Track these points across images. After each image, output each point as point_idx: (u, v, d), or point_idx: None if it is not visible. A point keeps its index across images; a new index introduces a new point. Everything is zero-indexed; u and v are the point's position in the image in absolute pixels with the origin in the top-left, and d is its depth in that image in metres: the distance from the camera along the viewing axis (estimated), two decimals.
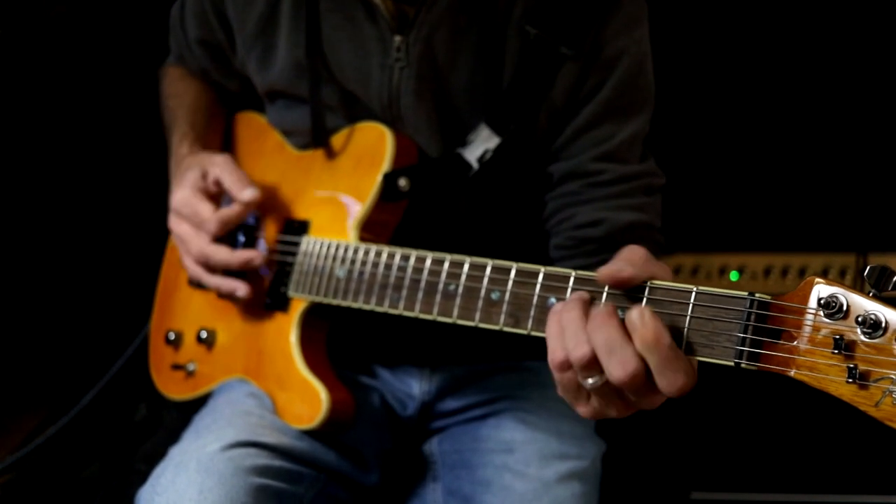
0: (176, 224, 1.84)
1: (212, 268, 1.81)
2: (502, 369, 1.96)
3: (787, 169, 2.50)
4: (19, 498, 2.31)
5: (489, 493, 1.80)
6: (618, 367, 1.20)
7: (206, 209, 1.79)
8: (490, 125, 1.74)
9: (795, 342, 1.11)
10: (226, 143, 2.08)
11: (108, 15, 2.66)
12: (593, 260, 1.72)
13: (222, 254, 1.78)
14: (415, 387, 1.94)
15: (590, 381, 1.24)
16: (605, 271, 1.28)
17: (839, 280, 2.37)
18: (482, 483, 1.82)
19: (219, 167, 1.82)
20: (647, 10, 1.78)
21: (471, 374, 1.95)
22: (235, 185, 1.79)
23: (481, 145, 1.75)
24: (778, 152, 2.51)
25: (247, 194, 1.77)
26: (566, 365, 1.25)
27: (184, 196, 1.81)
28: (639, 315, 1.19)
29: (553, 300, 1.35)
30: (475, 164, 1.75)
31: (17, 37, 2.50)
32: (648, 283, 1.26)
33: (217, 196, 1.84)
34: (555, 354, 1.26)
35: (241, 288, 1.79)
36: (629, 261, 1.29)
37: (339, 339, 1.83)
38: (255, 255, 1.78)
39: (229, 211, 1.78)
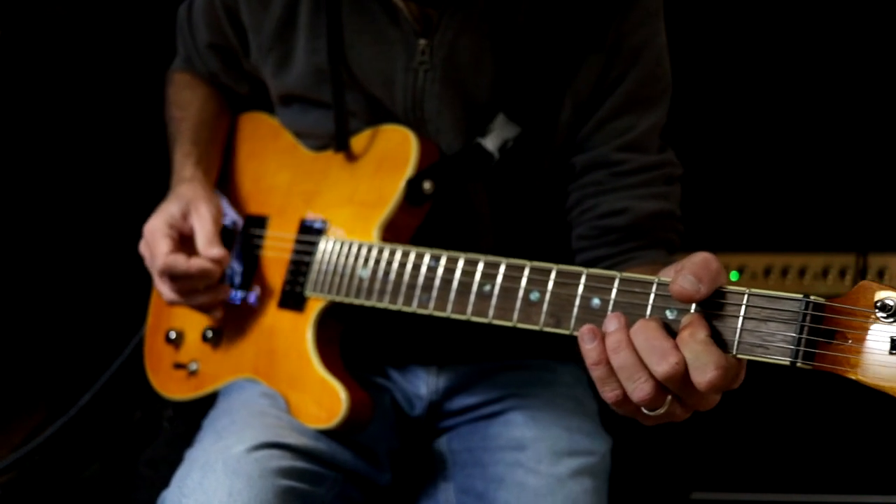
0: (142, 247, 1.85)
1: (177, 279, 1.80)
2: (509, 367, 1.96)
3: (787, 169, 2.51)
4: (19, 498, 2.29)
5: (503, 489, 1.80)
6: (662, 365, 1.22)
7: (162, 247, 1.79)
8: (508, 114, 1.75)
9: (850, 342, 1.13)
10: (233, 145, 2.06)
11: (110, 14, 2.64)
12: (616, 249, 1.73)
13: (180, 263, 1.79)
14: (422, 387, 1.94)
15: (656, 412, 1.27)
16: (679, 290, 1.25)
17: (839, 280, 2.41)
18: (495, 480, 1.82)
19: (200, 218, 1.83)
20: (662, 3, 1.80)
21: (478, 373, 1.95)
22: (203, 241, 1.81)
23: (500, 135, 1.75)
24: (778, 152, 2.52)
25: (214, 251, 1.79)
26: (625, 401, 1.28)
27: (153, 225, 1.83)
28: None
29: (597, 301, 1.35)
30: (496, 154, 1.75)
31: (17, 37, 2.48)
32: None
33: (188, 237, 1.84)
34: (607, 396, 1.29)
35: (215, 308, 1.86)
36: (701, 278, 1.25)
37: (348, 340, 1.82)
38: (210, 263, 1.79)
39: (181, 260, 1.78)
